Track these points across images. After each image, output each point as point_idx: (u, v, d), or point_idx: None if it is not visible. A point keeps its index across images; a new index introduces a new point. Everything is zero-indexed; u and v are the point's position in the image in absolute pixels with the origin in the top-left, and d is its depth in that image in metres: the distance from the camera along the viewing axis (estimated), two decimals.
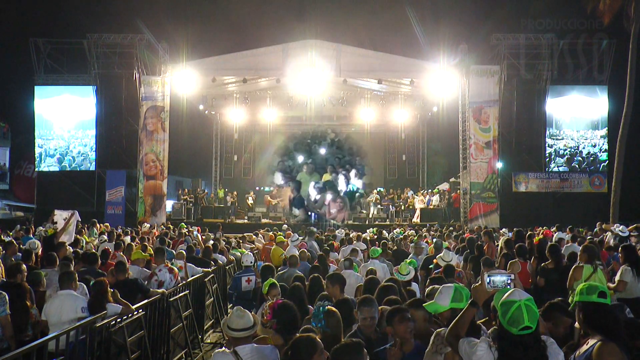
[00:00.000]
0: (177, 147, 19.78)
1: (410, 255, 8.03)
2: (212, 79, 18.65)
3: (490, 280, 2.59)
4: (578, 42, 17.78)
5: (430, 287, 3.80)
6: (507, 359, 2.28)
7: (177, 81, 18.34)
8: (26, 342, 4.00)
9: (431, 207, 20.27)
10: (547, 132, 18.64)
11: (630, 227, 9.29)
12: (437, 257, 6.73)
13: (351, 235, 11.11)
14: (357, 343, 2.50)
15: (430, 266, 6.78)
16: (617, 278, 5.54)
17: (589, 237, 9.64)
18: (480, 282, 2.64)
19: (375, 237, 12.02)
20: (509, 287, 2.52)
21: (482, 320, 3.24)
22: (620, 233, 9.06)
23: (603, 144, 18.66)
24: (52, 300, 4.54)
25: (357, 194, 20.78)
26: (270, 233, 12.57)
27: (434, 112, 22.02)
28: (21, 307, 4.56)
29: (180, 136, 20.12)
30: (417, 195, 21.40)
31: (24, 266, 5.18)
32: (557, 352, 2.39)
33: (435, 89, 18.57)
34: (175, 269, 6.42)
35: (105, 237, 10.16)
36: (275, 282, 4.86)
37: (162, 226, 15.39)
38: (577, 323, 2.90)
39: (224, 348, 3.06)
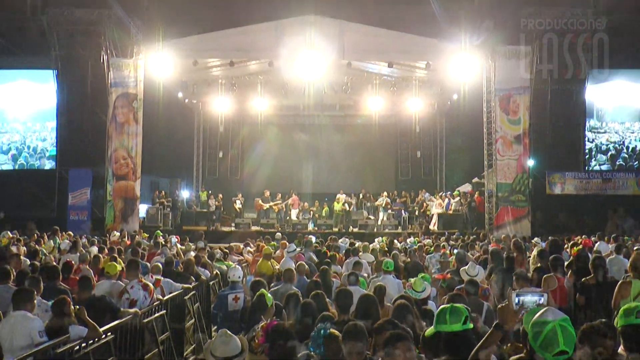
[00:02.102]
0: (152, 142, 19.76)
1: (433, 270, 8.00)
2: (194, 62, 18.64)
3: (519, 300, 2.58)
4: (624, 19, 17.76)
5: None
6: None
7: (152, 64, 18.31)
8: None
9: (450, 212, 20.26)
10: (587, 125, 18.61)
11: None
12: (461, 270, 6.73)
13: (357, 246, 11.10)
14: None
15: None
16: None
17: (636, 248, 9.62)
18: (507, 302, 2.64)
19: (386, 247, 12.02)
20: (540, 308, 2.51)
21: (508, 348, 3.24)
22: None
23: None
24: (3, 323, 4.52)
25: None
26: (262, 242, 12.58)
27: (454, 100, 22.02)
28: None
29: (156, 129, 20.10)
30: (434, 199, 21.39)
31: None
32: None
33: (456, 73, 18.54)
34: (150, 285, 6.41)
35: (67, 245, 10.16)
36: (270, 296, 4.87)
37: (135, 234, 15.38)
38: (621, 348, 2.89)
39: None
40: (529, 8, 18.06)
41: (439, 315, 3.04)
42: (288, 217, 21.47)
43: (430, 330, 3.12)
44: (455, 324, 2.85)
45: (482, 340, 2.65)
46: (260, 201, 21.82)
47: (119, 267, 7.06)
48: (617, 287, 5.52)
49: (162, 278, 7.25)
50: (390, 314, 4.39)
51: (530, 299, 2.61)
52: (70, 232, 13.89)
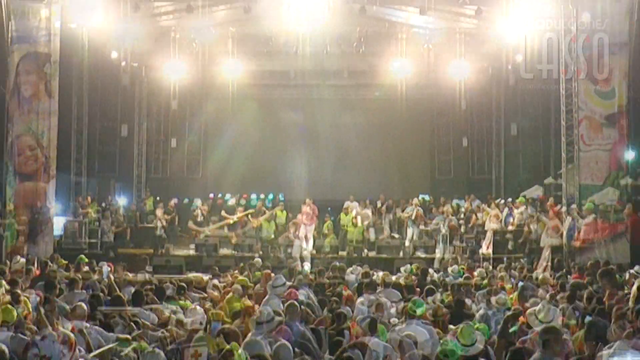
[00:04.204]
0: (73, 125, 19.78)
1: (479, 312, 8.05)
2: (134, 7, 18.65)
3: None
4: None
5: None
6: None
7: (72, 10, 18.34)
8: None
9: (512, 227, 20.26)
10: None
11: None
12: (528, 312, 6.76)
13: (374, 277, 11.12)
14: None
15: (512, 329, 6.80)
16: None
17: None
18: None
19: (416, 279, 12.03)
20: None
21: None
22: None
23: None
24: None
25: None
26: (235, 272, 12.60)
27: (517, 64, 22.00)
28: None
29: (78, 106, 20.14)
30: (488, 208, 21.40)
31: None
32: None
33: (519, 23, 18.56)
34: (71, 335, 6.41)
35: None
36: (242, 354, 4.89)
37: (48, 261, 15.38)
38: None
39: None
40: None
41: None
42: (273, 236, 21.36)
43: None
44: None
45: None
46: (224, 212, 21.76)
47: (16, 312, 7.05)
48: None
49: (88, 325, 7.24)
50: None
51: None
52: None
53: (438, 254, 19.68)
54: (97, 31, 19.39)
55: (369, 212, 21.76)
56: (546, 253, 18.26)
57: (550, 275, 12.63)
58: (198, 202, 22.63)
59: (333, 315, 7.40)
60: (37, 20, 18.45)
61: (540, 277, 12.11)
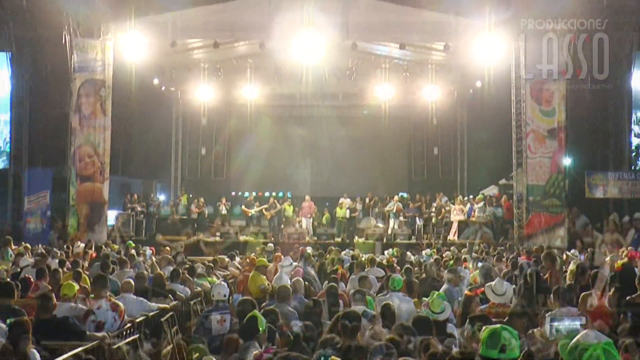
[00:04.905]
0: (123, 137, 19.84)
1: (443, 287, 8.06)
2: (172, 43, 18.66)
3: (553, 328, 2.60)
4: None
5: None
6: None
7: (122, 46, 18.33)
8: None
9: (473, 219, 20.29)
10: (633, 117, 18.63)
11: None
12: (486, 287, 6.77)
13: (363, 259, 11.12)
14: None
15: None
16: None
17: None
18: (539, 328, 2.67)
19: (396, 260, 12.05)
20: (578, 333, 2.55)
21: None
22: None
23: None
24: None
25: None
26: (252, 255, 12.61)
27: (477, 88, 22.03)
28: None
29: (127, 122, 20.18)
30: (453, 203, 21.42)
31: None
32: None
33: (479, 56, 18.53)
34: (121, 305, 6.43)
35: (29, 260, 10.18)
36: (262, 319, 4.90)
37: (103, 246, 15.39)
38: None
39: None
40: None
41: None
42: (282, 226, 21.49)
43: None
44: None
45: None
46: (244, 207, 21.90)
47: (76, 287, 7.08)
48: None
49: (135, 297, 7.26)
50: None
51: (567, 325, 2.63)
52: (27, 245, 13.89)
53: (414, 240, 19.75)
54: (142, 62, 19.36)
55: (358, 206, 22.00)
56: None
57: (504, 257, 12.60)
58: (223, 199, 22.79)
59: (327, 289, 7.39)
60: (94, 54, 18.45)
61: (495, 257, 12.11)
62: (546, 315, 2.72)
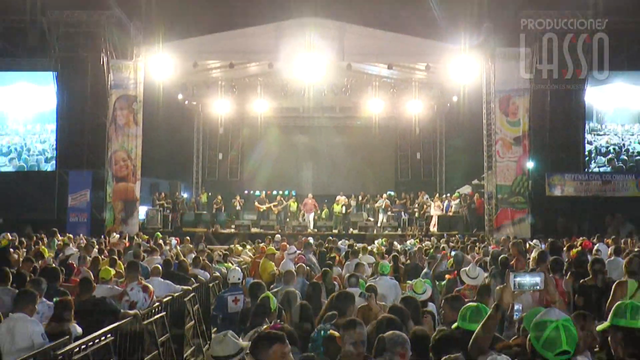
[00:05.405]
0: (152, 144, 19.78)
1: (423, 272, 8.05)
2: (193, 64, 18.68)
3: (516, 283, 2.64)
4: (623, 22, 17.75)
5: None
6: None
7: (152, 66, 18.35)
8: None
9: (450, 214, 20.28)
10: (587, 127, 18.61)
11: None
12: (461, 271, 6.76)
13: (357, 248, 11.12)
14: None
15: (442, 282, 6.83)
16: None
17: (636, 250, 9.63)
18: (505, 284, 2.70)
19: (385, 249, 12.04)
20: (538, 287, 2.65)
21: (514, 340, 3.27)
22: None
23: None
24: (2, 325, 4.53)
25: None
26: (262, 244, 12.61)
27: (454, 102, 22.04)
28: None
29: (155, 131, 20.12)
30: (433, 200, 21.41)
31: None
32: None
33: (455, 75, 18.58)
34: (150, 286, 6.43)
35: (74, 249, 10.19)
36: (275, 301, 4.89)
37: (135, 236, 15.39)
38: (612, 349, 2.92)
39: None
40: (529, 10, 18.05)
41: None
42: (288, 219, 21.49)
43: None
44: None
45: (481, 324, 2.74)
46: (256, 203, 21.92)
47: (112, 272, 7.09)
48: (613, 287, 5.54)
49: (162, 280, 7.26)
50: (379, 315, 4.42)
51: (528, 280, 2.68)
52: (70, 235, 13.90)
53: (400, 232, 19.72)
54: (169, 80, 19.40)
55: (352, 202, 22.01)
56: None
57: (477, 246, 12.58)
58: (238, 196, 22.81)
59: (322, 273, 7.39)
60: (128, 73, 18.47)
61: (469, 246, 12.09)
62: (510, 273, 2.76)
